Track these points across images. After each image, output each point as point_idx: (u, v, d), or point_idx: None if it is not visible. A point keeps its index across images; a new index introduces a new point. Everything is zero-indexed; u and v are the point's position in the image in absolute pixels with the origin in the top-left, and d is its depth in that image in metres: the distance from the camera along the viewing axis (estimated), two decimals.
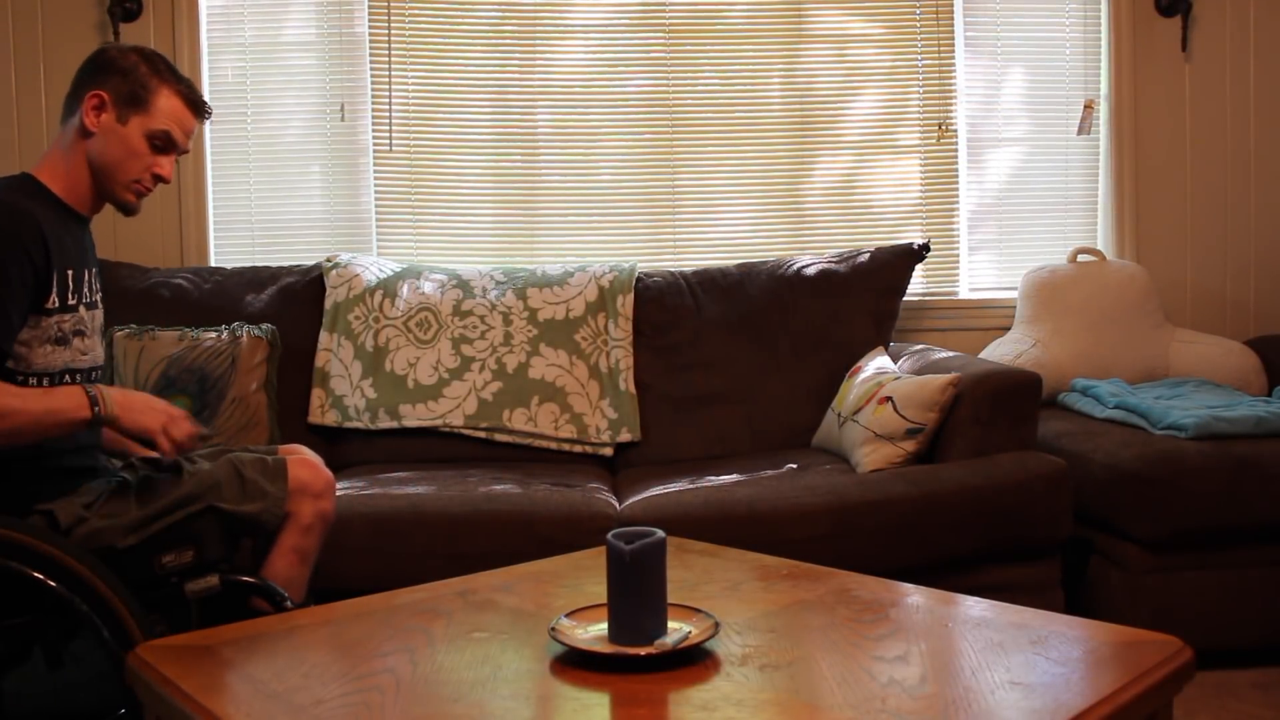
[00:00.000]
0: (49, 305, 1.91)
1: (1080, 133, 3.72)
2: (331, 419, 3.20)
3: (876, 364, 3.10)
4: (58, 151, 2.02)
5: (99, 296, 2.09)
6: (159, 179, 2.03)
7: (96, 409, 1.87)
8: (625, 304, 3.29)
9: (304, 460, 2.16)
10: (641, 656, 1.42)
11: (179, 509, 1.98)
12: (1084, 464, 2.82)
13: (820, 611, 1.66)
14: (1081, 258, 3.60)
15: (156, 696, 1.44)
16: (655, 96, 3.67)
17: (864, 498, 2.61)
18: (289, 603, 2.02)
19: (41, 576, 1.74)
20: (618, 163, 3.68)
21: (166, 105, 2.01)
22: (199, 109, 2.06)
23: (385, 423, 3.17)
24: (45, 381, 1.93)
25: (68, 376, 1.96)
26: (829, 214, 3.74)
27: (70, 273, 1.96)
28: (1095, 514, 2.83)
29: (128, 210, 2.05)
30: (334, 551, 2.47)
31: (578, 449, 3.19)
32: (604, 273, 3.34)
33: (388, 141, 3.59)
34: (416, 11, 3.59)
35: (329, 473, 2.19)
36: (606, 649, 1.45)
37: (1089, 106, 3.71)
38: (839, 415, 3.02)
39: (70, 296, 1.95)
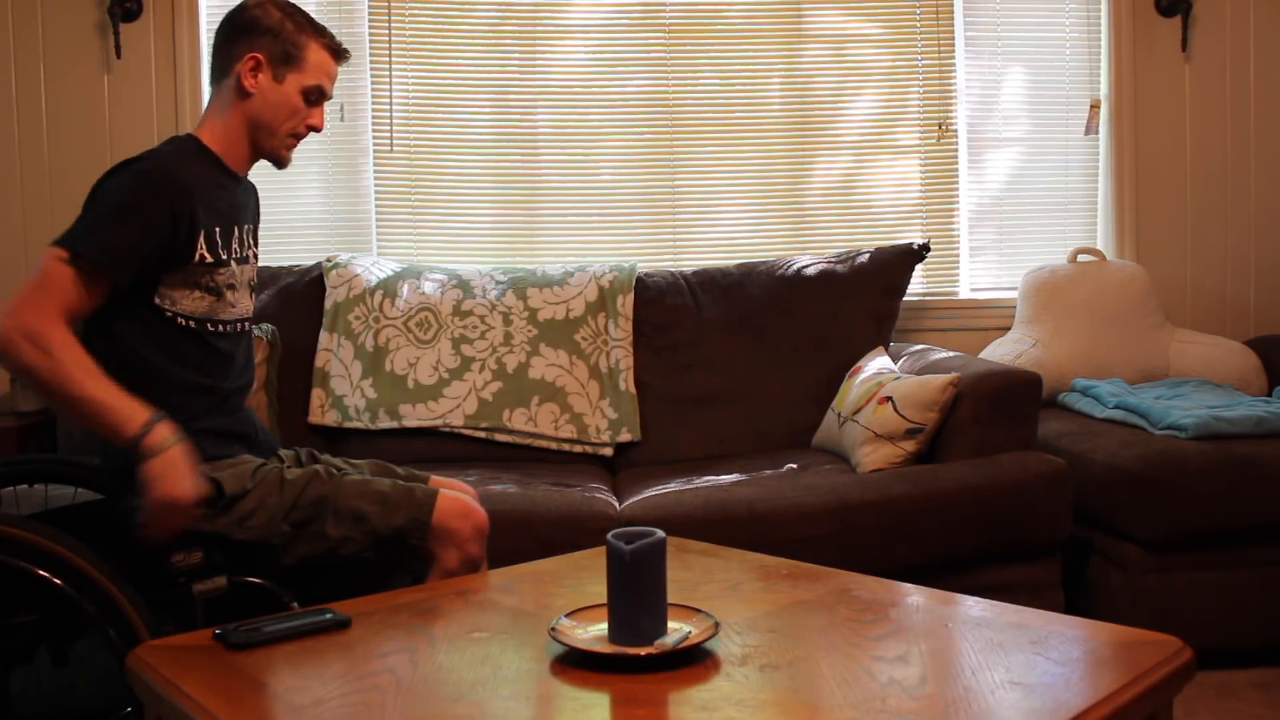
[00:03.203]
0: (197, 260, 1.95)
1: (1087, 133, 3.72)
2: (331, 419, 3.20)
3: (876, 364, 3.10)
4: (215, 112, 2.07)
5: (252, 251, 2.13)
6: (312, 128, 2.10)
7: (139, 438, 1.78)
8: (625, 304, 3.29)
9: (454, 502, 2.02)
10: (641, 656, 1.42)
11: (322, 506, 1.96)
12: (1084, 464, 2.82)
13: (820, 611, 1.66)
14: (1081, 258, 3.60)
15: (156, 696, 1.44)
16: (655, 96, 3.67)
17: (864, 498, 2.61)
18: (295, 605, 2.02)
19: (48, 575, 1.74)
20: (618, 163, 3.68)
21: (316, 59, 2.06)
22: (340, 56, 2.11)
23: (385, 423, 3.17)
24: (192, 324, 1.98)
25: (209, 324, 2.00)
26: (829, 214, 3.74)
27: (219, 229, 2.00)
28: (1095, 514, 2.83)
29: (281, 163, 2.12)
30: None
31: (578, 449, 3.19)
32: (604, 273, 3.34)
33: (388, 141, 3.59)
34: (416, 11, 3.59)
35: (482, 514, 2.04)
36: (606, 649, 1.45)
37: (1095, 106, 3.71)
38: (839, 415, 3.02)
39: (221, 252, 2.00)
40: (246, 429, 2.10)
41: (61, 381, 1.77)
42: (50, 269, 1.83)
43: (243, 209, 2.11)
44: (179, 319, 1.97)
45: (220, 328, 2.03)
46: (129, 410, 1.79)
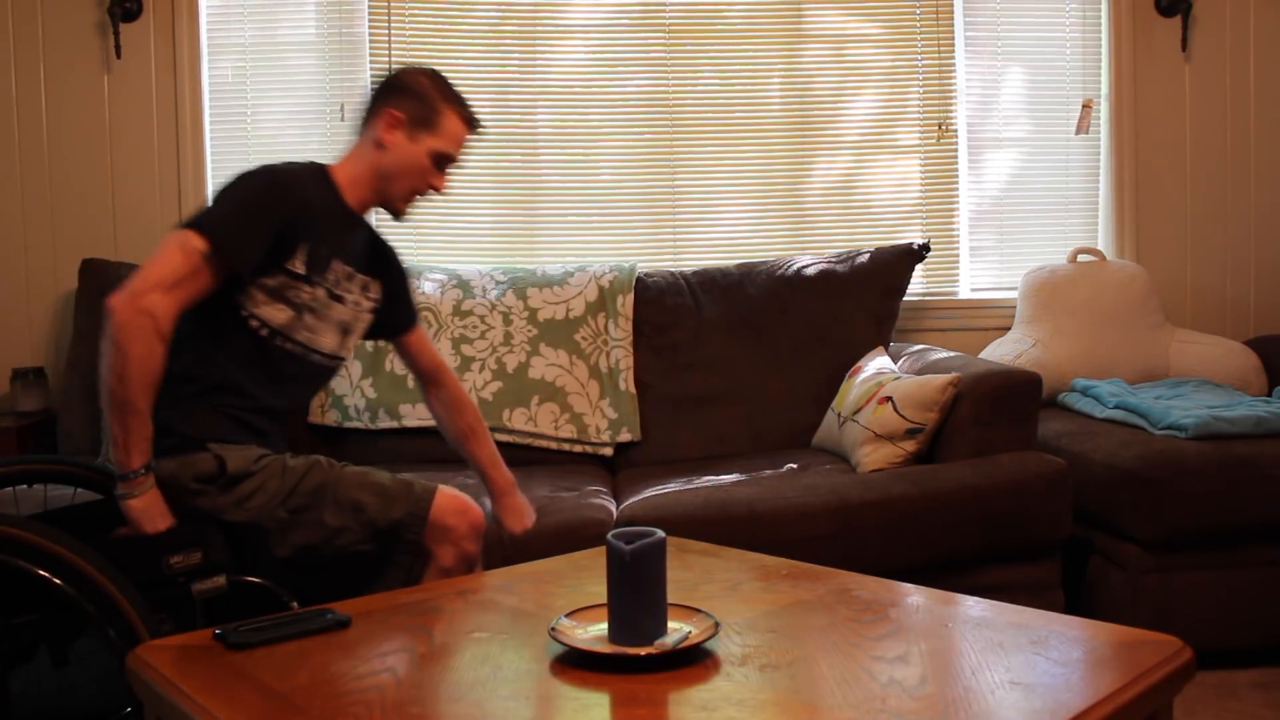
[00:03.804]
0: (290, 266, 2.03)
1: (1078, 132, 3.72)
2: (331, 419, 3.20)
3: (876, 364, 3.10)
4: (352, 155, 2.21)
5: (354, 298, 2.20)
6: (433, 189, 2.22)
7: (131, 475, 1.89)
8: (625, 304, 3.29)
9: (452, 498, 2.07)
10: (641, 656, 1.42)
11: (321, 494, 2.01)
12: (1084, 464, 2.82)
13: (820, 611, 1.66)
14: (1081, 258, 3.60)
15: (156, 696, 1.44)
16: (655, 96, 3.67)
17: (864, 498, 2.61)
18: (294, 604, 2.02)
19: (48, 575, 1.74)
20: (618, 163, 3.68)
21: (451, 127, 2.19)
22: (474, 128, 2.23)
23: (385, 422, 3.17)
24: (263, 332, 2.04)
25: (279, 339, 2.06)
26: (829, 214, 3.74)
27: (324, 252, 2.09)
28: (1095, 514, 2.83)
29: (398, 215, 2.24)
30: None
31: (578, 449, 3.19)
32: (604, 273, 3.34)
33: None
34: (416, 11, 3.59)
35: (479, 512, 2.09)
36: (606, 649, 1.45)
37: (1087, 106, 3.71)
38: (839, 415, 3.02)
39: (314, 273, 2.07)
40: (267, 430, 2.13)
41: (136, 377, 1.86)
42: (181, 255, 1.91)
43: (350, 250, 2.19)
44: (252, 320, 2.04)
45: (288, 345, 2.09)
46: (140, 446, 1.89)
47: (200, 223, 1.94)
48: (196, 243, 1.92)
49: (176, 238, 1.93)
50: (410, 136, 2.16)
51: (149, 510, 1.92)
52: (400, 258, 2.38)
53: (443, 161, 2.20)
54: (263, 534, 2.01)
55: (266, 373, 2.08)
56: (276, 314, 2.05)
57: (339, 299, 2.16)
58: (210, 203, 2.01)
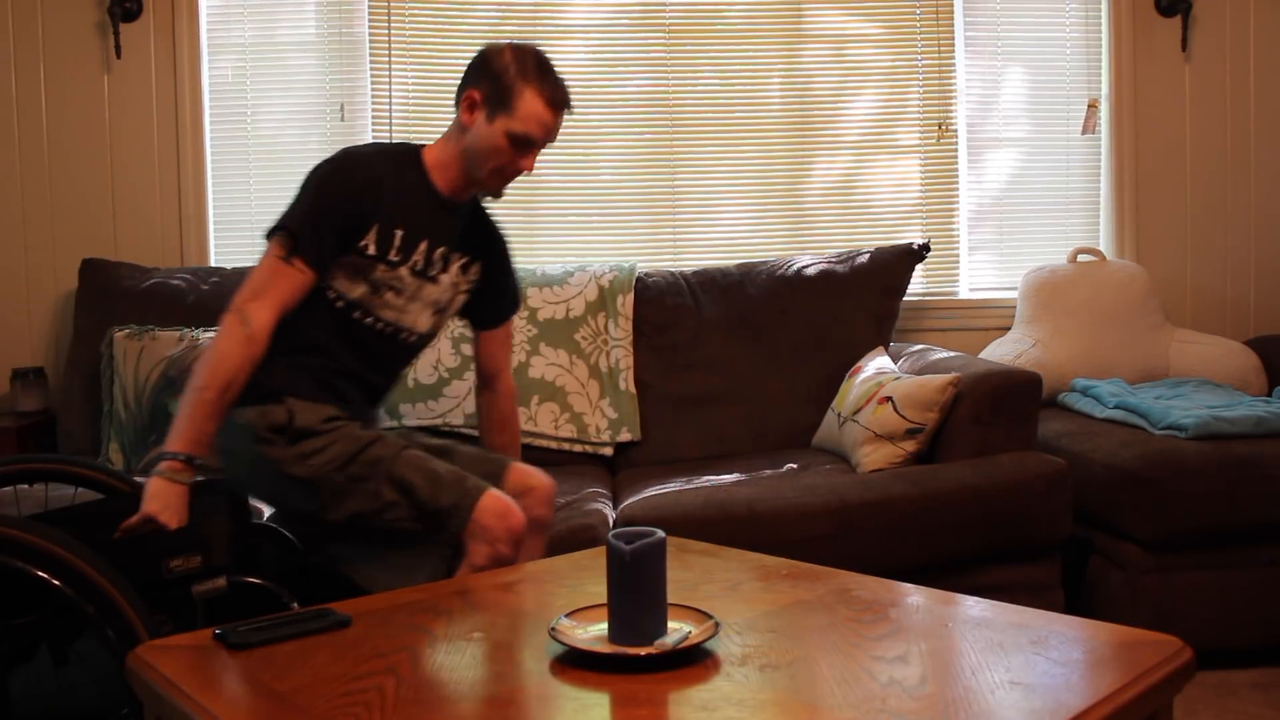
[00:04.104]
0: (362, 246, 2.10)
1: (1084, 132, 3.72)
2: None
3: (876, 364, 3.10)
4: (443, 139, 2.22)
5: (449, 277, 2.24)
6: (518, 172, 2.19)
7: (169, 455, 1.95)
8: (625, 304, 3.29)
9: (497, 500, 2.04)
10: (641, 656, 1.42)
11: (378, 468, 2.04)
12: (1084, 464, 2.82)
13: (820, 611, 1.66)
14: (1081, 258, 3.60)
15: (156, 696, 1.44)
16: (655, 96, 3.67)
17: (864, 498, 2.61)
18: (295, 604, 2.02)
19: (47, 576, 1.74)
20: (618, 163, 3.69)
21: (528, 108, 2.12)
22: (560, 107, 2.16)
23: (385, 422, 3.17)
24: (340, 305, 2.13)
25: (357, 312, 2.14)
26: (829, 214, 3.74)
27: (400, 233, 2.13)
28: (1095, 514, 2.83)
29: (495, 197, 2.24)
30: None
31: (577, 449, 3.19)
32: (604, 273, 3.34)
33: (388, 141, 3.59)
34: (416, 11, 3.59)
35: (520, 517, 2.05)
36: (606, 649, 1.45)
37: (1093, 106, 3.71)
38: (839, 415, 3.02)
39: (394, 253, 2.13)
40: (349, 396, 2.18)
41: (211, 365, 1.98)
42: (266, 262, 2.07)
43: (445, 230, 2.21)
44: (329, 292, 2.12)
45: (367, 320, 2.16)
46: (190, 434, 1.96)
47: (278, 227, 2.07)
48: (275, 249, 2.06)
49: (269, 246, 2.08)
50: (488, 118, 2.14)
51: (164, 498, 1.91)
52: (505, 243, 2.37)
53: (521, 143, 2.15)
54: (315, 495, 2.05)
55: (347, 342, 2.15)
56: (352, 289, 2.12)
57: (431, 279, 2.20)
58: (292, 198, 2.11)
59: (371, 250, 2.11)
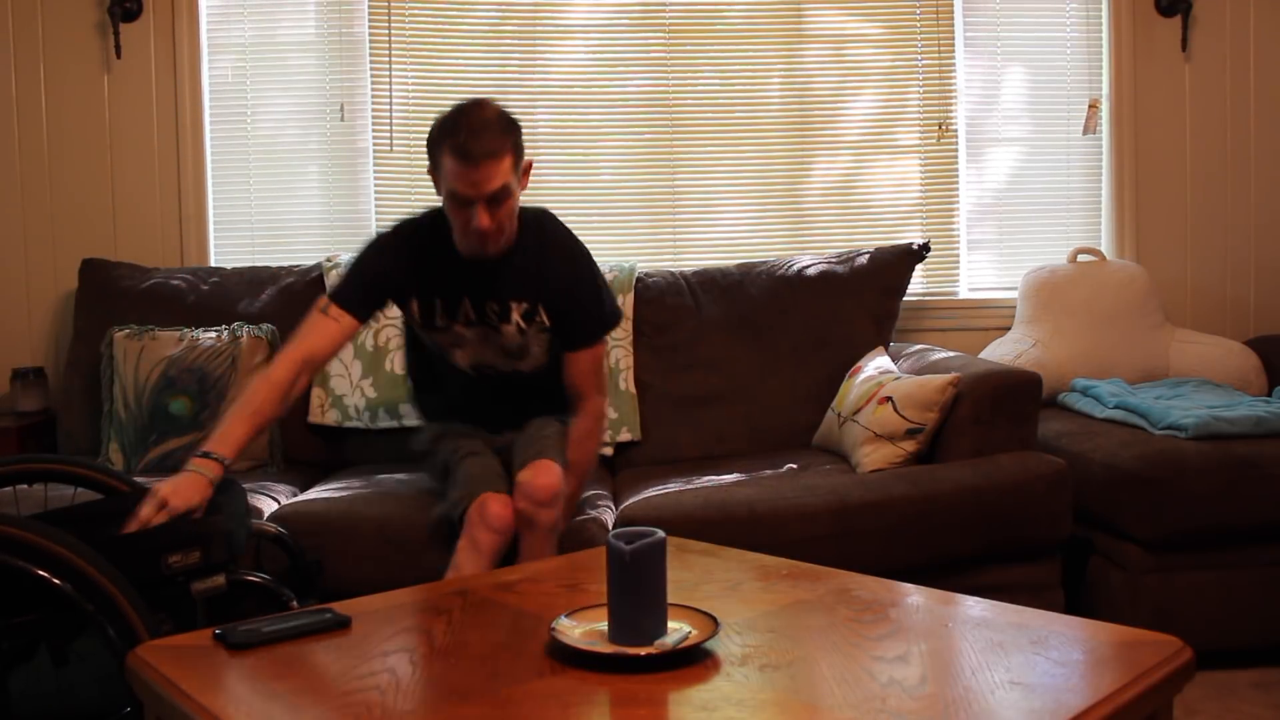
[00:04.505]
0: (412, 315, 2.44)
1: (1086, 132, 3.72)
2: (332, 418, 3.20)
3: (876, 364, 3.10)
4: None
5: (510, 326, 2.43)
6: (477, 228, 2.26)
7: (197, 453, 2.13)
8: (625, 304, 3.29)
9: (478, 507, 2.29)
10: (641, 656, 1.42)
11: (441, 459, 2.52)
12: (1084, 464, 2.82)
13: (820, 611, 1.66)
14: (1081, 258, 3.60)
15: (156, 696, 1.44)
16: (655, 96, 3.67)
17: (864, 498, 2.61)
18: (294, 603, 2.03)
19: (47, 575, 1.74)
20: (618, 163, 3.69)
21: (447, 166, 2.22)
22: (466, 157, 2.18)
23: (385, 422, 3.17)
24: (423, 350, 2.54)
25: (439, 363, 2.50)
26: (828, 214, 3.74)
27: (440, 301, 2.40)
28: (1095, 514, 2.83)
29: (482, 252, 2.32)
30: (337, 553, 2.48)
31: None
32: (604, 273, 3.34)
33: (388, 141, 3.59)
34: (416, 11, 3.59)
35: (498, 512, 2.29)
36: (606, 649, 1.45)
37: (1094, 106, 3.71)
38: (839, 415, 3.02)
39: (439, 318, 2.42)
40: (459, 406, 2.56)
41: (247, 391, 2.29)
42: (311, 314, 2.36)
43: (485, 284, 2.38)
44: (417, 341, 2.54)
45: (445, 367, 2.51)
46: (219, 436, 2.15)
47: (330, 288, 2.42)
48: (321, 301, 2.36)
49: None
50: (436, 185, 2.31)
51: (176, 482, 2.04)
52: (571, 278, 2.46)
53: (461, 201, 2.23)
54: (432, 466, 2.58)
55: (456, 384, 2.52)
56: (425, 341, 2.48)
57: (493, 327, 2.42)
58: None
59: (420, 320, 2.42)
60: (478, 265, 2.35)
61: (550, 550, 2.33)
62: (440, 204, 2.35)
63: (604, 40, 3.67)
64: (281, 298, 3.29)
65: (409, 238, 2.40)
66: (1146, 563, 2.72)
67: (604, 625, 1.50)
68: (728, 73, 3.69)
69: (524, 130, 3.64)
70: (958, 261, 3.76)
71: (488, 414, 2.58)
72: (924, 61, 3.71)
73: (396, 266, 2.36)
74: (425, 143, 2.30)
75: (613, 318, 2.56)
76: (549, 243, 2.44)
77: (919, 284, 3.65)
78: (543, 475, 2.31)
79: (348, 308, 2.31)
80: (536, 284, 2.41)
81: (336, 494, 2.74)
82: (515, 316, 2.42)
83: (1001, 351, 3.43)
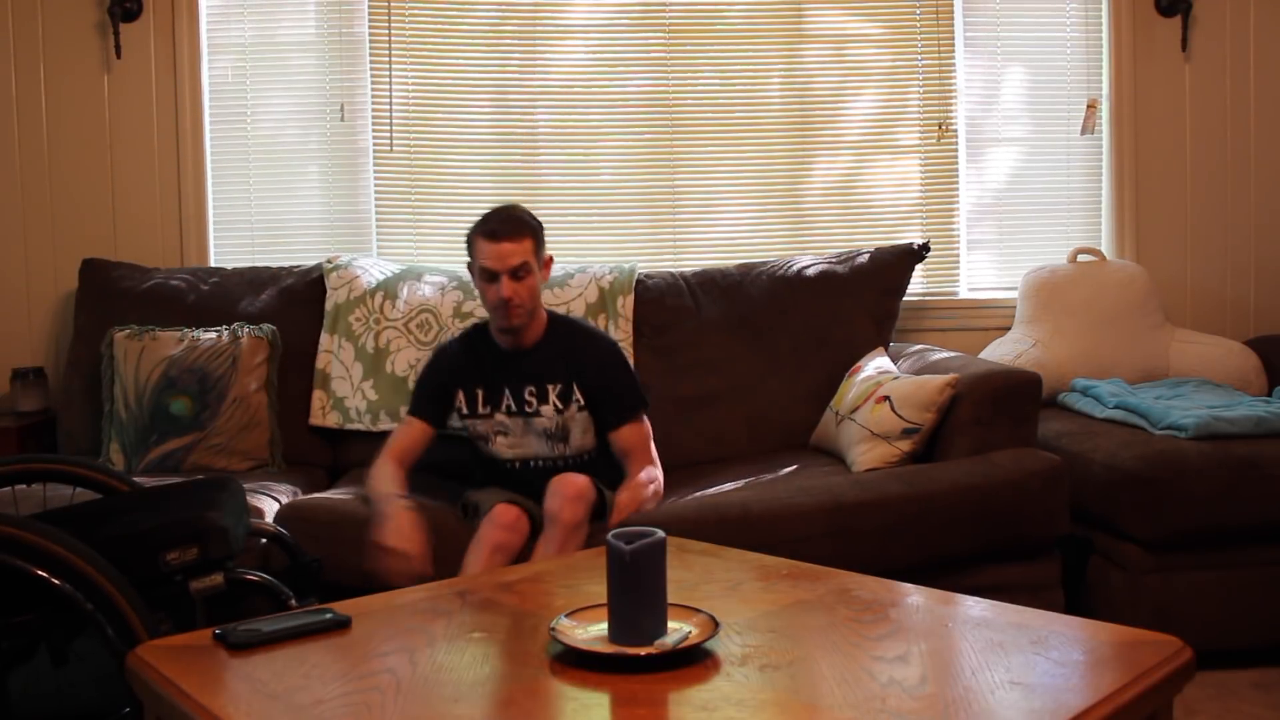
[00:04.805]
0: (459, 408, 2.70)
1: (1084, 132, 3.72)
2: (333, 420, 3.20)
3: (876, 364, 3.10)
4: None
5: (547, 408, 2.65)
6: (499, 298, 2.57)
7: (380, 497, 2.51)
8: (625, 305, 3.29)
9: (490, 515, 2.49)
10: (641, 656, 1.42)
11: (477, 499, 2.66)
12: (1084, 464, 2.82)
13: (820, 611, 1.66)
14: (1081, 258, 3.60)
15: (156, 696, 1.44)
16: (655, 96, 3.67)
17: (859, 498, 2.60)
18: (293, 601, 2.03)
19: (47, 575, 1.74)
20: (618, 163, 3.68)
21: (479, 247, 2.62)
22: (492, 236, 2.59)
23: (386, 424, 3.17)
24: (485, 454, 2.73)
25: (493, 463, 2.71)
26: (829, 214, 3.74)
27: (481, 391, 2.68)
28: (1095, 514, 2.83)
29: (508, 330, 2.63)
30: (337, 553, 2.48)
31: None
32: (604, 273, 3.34)
33: (388, 141, 3.58)
34: (416, 11, 3.59)
35: (510, 519, 2.48)
36: (606, 649, 1.45)
37: (1092, 106, 3.71)
38: (837, 413, 3.02)
39: (481, 407, 2.68)
40: (504, 483, 2.69)
41: (373, 473, 2.61)
42: (399, 426, 2.79)
43: (521, 372, 2.66)
44: (475, 443, 2.75)
45: (505, 465, 2.70)
46: (383, 485, 2.55)
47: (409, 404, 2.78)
48: (403, 413, 2.80)
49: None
50: (471, 272, 2.68)
51: (400, 527, 2.41)
52: (600, 356, 2.72)
53: (487, 275, 2.58)
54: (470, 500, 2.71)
55: (497, 480, 2.69)
56: (483, 448, 2.71)
57: (532, 413, 2.66)
58: None
59: (464, 409, 2.68)
60: (515, 356, 2.65)
61: (569, 548, 2.40)
62: (484, 319, 2.72)
63: (604, 40, 3.67)
64: (281, 298, 3.29)
65: (458, 343, 2.77)
66: (1146, 563, 2.72)
67: (604, 625, 1.50)
68: (728, 73, 3.69)
69: (524, 130, 3.71)
70: (958, 261, 3.76)
71: (524, 492, 2.70)
72: (924, 61, 3.71)
73: (448, 369, 2.71)
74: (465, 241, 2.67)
75: (645, 401, 2.75)
76: (578, 330, 2.77)
77: (919, 284, 3.65)
78: (571, 478, 2.49)
79: (419, 416, 2.69)
80: (568, 364, 2.66)
81: (337, 494, 2.75)
82: (551, 397, 2.65)
83: (1001, 351, 3.43)
